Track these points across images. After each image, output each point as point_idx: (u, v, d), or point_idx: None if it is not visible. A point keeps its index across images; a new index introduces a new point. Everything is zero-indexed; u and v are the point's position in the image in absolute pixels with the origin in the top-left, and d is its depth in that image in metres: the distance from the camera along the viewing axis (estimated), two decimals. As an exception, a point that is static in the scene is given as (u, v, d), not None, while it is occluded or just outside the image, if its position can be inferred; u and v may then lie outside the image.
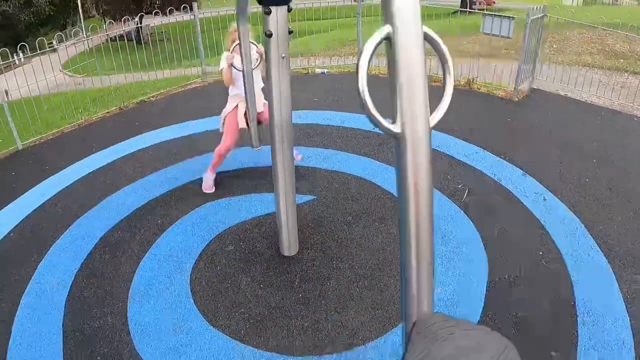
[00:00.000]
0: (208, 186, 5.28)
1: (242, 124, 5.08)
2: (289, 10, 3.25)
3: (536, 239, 4.46)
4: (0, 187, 5.85)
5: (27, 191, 5.61)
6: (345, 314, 3.66)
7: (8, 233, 4.88)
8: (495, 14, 8.15)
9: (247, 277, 4.08)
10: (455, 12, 16.03)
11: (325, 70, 9.63)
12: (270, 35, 3.25)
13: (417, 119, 1.14)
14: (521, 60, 7.70)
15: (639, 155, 6.03)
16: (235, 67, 4.77)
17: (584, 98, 8.13)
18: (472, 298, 3.78)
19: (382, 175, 5.46)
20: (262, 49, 4.59)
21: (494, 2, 31.23)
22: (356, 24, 9.78)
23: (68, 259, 4.40)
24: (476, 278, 3.98)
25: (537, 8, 7.74)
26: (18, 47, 7.57)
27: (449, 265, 4.11)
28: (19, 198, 5.48)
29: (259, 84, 5.06)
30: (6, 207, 5.33)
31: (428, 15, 12.81)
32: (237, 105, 5.12)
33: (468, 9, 8.10)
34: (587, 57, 11.38)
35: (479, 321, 3.56)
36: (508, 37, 7.79)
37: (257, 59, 4.76)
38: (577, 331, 3.47)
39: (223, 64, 4.92)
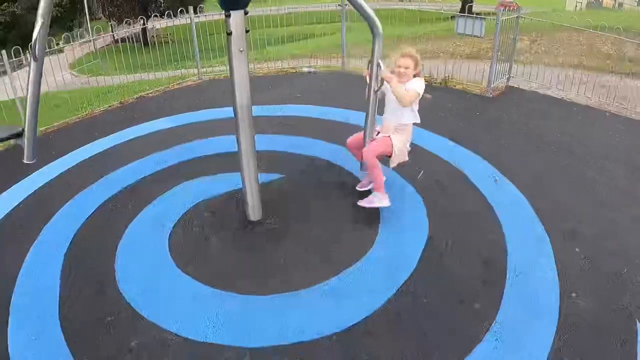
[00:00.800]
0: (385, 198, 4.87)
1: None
2: (246, 13, 4.04)
3: (480, 214, 4.91)
4: (11, 167, 6.61)
5: (34, 172, 6.32)
6: (294, 267, 4.28)
7: (19, 203, 5.62)
8: (469, 15, 8.71)
9: (217, 236, 4.76)
10: (453, 16, 16.55)
11: (312, 69, 10.26)
12: (230, 34, 4.03)
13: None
14: (493, 59, 8.19)
15: (600, 146, 6.41)
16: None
17: (561, 96, 8.49)
18: (408, 254, 4.36)
19: (346, 159, 5.94)
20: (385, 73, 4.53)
21: (516, 6, 31.54)
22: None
23: (69, 223, 5.11)
24: (415, 241, 4.54)
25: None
26: (29, 46, 8.17)
27: (393, 231, 4.69)
28: (27, 177, 6.20)
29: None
30: (15, 184, 6.06)
31: (428, 19, 13.32)
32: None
33: (467, 14, 8.63)
34: (574, 59, 11.73)
35: (412, 274, 4.14)
36: (480, 37, 8.35)
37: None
38: (504, 288, 3.92)
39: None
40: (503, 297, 3.85)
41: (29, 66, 3.49)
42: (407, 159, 4.95)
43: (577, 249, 4.38)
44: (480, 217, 4.88)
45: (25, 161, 3.77)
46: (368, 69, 4.61)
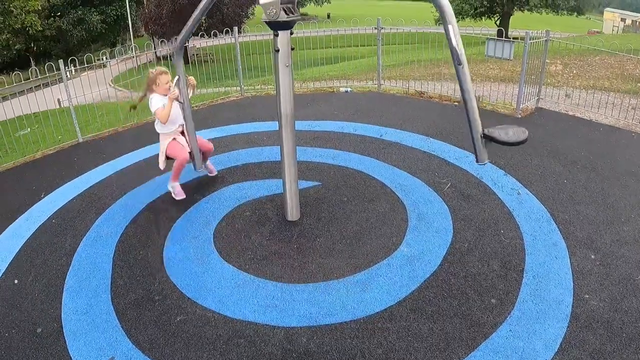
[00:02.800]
0: (179, 192, 5.95)
1: (187, 149, 5.84)
2: (291, 33, 4.60)
3: (501, 221, 5.24)
4: (64, 167, 7.30)
5: (88, 171, 6.98)
6: (327, 260, 4.71)
7: (72, 199, 6.24)
8: (499, 38, 9.05)
9: (257, 232, 5.23)
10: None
11: (349, 89, 10.72)
12: (278, 51, 4.60)
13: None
14: (521, 80, 8.47)
15: (624, 164, 6.55)
16: (179, 101, 5.54)
17: (589, 117, 8.65)
18: (433, 253, 4.74)
19: (379, 170, 6.46)
20: (193, 79, 5.77)
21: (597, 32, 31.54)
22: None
23: (120, 216, 5.69)
24: (439, 243, 4.93)
25: (540, 32, 8.60)
26: (69, 60, 8.63)
27: (419, 233, 5.08)
28: (81, 175, 6.87)
29: (181, 120, 5.83)
30: (70, 181, 6.72)
31: (468, 43, 13.61)
32: (173, 138, 5.84)
33: (504, 39, 8.93)
34: (605, 82, 11.79)
35: (435, 271, 4.53)
36: (509, 59, 8.68)
37: (191, 91, 5.77)
38: (520, 287, 4.23)
39: (161, 103, 5.52)
40: (519, 295, 4.16)
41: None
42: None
43: (592, 256, 4.65)
44: (501, 224, 5.21)
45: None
46: None
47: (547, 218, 5.29)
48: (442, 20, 3.73)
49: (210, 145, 6.23)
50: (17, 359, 3.79)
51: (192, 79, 5.74)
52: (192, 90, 5.81)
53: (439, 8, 3.73)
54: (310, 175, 6.37)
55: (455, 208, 5.53)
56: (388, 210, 5.51)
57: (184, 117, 5.77)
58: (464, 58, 3.72)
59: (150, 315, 4.13)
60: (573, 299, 4.08)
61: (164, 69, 5.62)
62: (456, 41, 3.66)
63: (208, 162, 6.42)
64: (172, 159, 5.85)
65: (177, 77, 5.48)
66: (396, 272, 4.50)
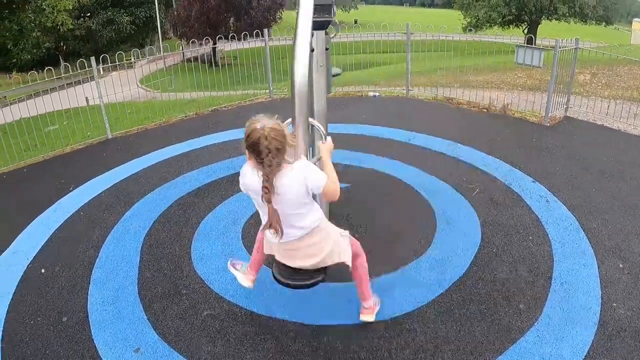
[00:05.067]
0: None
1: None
2: (326, 33, 4.67)
3: (529, 228, 5.21)
4: (94, 162, 7.48)
5: (116, 167, 7.09)
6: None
7: (100, 193, 6.38)
8: (528, 45, 9.01)
9: (286, 231, 5.22)
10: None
11: (377, 94, 10.74)
12: (312, 50, 4.57)
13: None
14: (550, 89, 8.42)
15: None
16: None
17: (618, 127, 8.57)
18: (461, 257, 4.73)
19: (408, 174, 6.46)
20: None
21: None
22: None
23: (149, 211, 5.78)
24: (467, 247, 4.92)
25: (569, 40, 8.53)
26: (100, 58, 8.84)
27: (448, 237, 5.06)
28: (110, 171, 6.99)
29: None
30: (99, 175, 6.84)
31: (491, 51, 13.61)
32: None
33: (534, 46, 8.91)
34: (634, 92, 11.69)
35: (463, 274, 4.51)
36: (539, 67, 8.63)
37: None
38: (548, 294, 4.20)
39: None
40: (546, 301, 4.14)
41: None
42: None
43: (620, 265, 4.60)
44: (529, 231, 5.18)
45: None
46: None
47: (576, 226, 5.24)
48: None
49: None
50: (41, 346, 3.87)
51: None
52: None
53: None
54: (339, 177, 6.31)
55: (484, 213, 5.51)
56: (416, 214, 5.51)
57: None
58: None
59: (176, 309, 4.18)
60: (601, 307, 4.05)
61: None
62: None
63: None
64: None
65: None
66: (424, 274, 4.50)
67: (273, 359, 3.64)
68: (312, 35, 4.50)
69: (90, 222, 5.63)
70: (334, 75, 5.24)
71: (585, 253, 4.78)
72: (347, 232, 3.60)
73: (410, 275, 4.49)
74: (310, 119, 3.90)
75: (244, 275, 4.00)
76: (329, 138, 3.77)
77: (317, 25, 4.50)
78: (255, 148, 2.97)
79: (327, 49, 4.72)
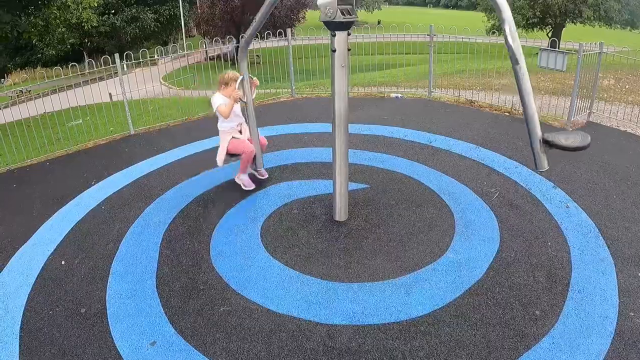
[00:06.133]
0: (249, 183, 6.19)
1: (250, 146, 6.00)
2: (348, 34, 4.66)
3: (549, 234, 5.15)
4: (116, 157, 7.59)
5: (138, 162, 7.19)
6: (373, 261, 4.73)
7: (121, 187, 6.47)
8: (552, 49, 8.93)
9: (304, 230, 5.28)
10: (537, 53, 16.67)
11: (399, 95, 10.72)
12: (334, 51, 4.66)
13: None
14: (573, 93, 8.31)
15: None
16: (242, 100, 5.81)
17: None
18: (479, 262, 4.71)
19: (427, 176, 6.45)
20: (256, 80, 6.00)
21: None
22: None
23: (169, 207, 5.85)
24: (486, 251, 4.90)
25: (593, 44, 8.43)
26: (124, 55, 8.97)
27: (466, 241, 5.05)
28: (132, 166, 7.10)
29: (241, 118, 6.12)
30: (121, 171, 6.95)
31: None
32: (232, 137, 6.02)
33: (557, 49, 8.84)
34: None
35: (480, 278, 4.50)
36: (562, 71, 8.55)
37: (254, 91, 5.95)
38: (565, 301, 4.16)
39: (222, 101, 5.74)
40: (563, 308, 4.11)
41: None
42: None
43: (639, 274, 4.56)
44: (548, 236, 5.14)
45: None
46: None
47: (596, 233, 5.19)
48: (499, 18, 3.69)
49: (265, 141, 6.35)
50: (59, 336, 3.96)
51: (255, 80, 5.95)
52: (254, 90, 6.02)
53: (497, 6, 3.68)
54: (359, 177, 6.40)
55: (503, 217, 5.48)
56: (435, 216, 5.50)
57: (247, 116, 5.94)
58: (521, 57, 3.61)
59: (193, 304, 4.23)
60: (618, 316, 4.01)
61: (238, 74, 5.80)
62: (512, 39, 3.59)
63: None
64: (233, 155, 6.04)
65: (240, 77, 5.65)
66: (441, 277, 4.49)
67: (287, 357, 3.67)
68: (335, 35, 4.54)
69: (111, 216, 5.73)
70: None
71: (604, 260, 4.73)
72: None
73: (427, 278, 4.49)
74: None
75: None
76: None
77: (339, 26, 4.53)
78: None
79: (349, 50, 4.73)
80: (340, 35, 4.59)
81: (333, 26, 4.52)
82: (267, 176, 6.47)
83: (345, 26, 4.56)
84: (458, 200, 5.81)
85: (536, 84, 12.99)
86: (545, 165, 3.90)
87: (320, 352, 3.68)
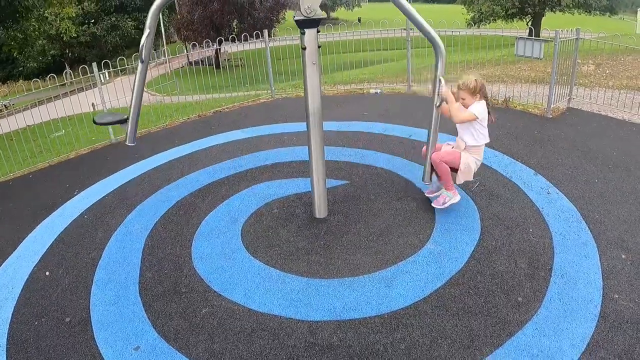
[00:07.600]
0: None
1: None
2: (318, 31, 4.67)
3: (530, 221, 5.16)
4: (98, 166, 7.58)
5: (120, 170, 7.17)
6: (353, 256, 4.74)
7: (104, 196, 6.45)
8: (528, 37, 8.96)
9: (284, 229, 5.27)
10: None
11: (379, 91, 10.74)
12: (305, 49, 4.67)
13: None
14: (552, 80, 8.35)
15: None
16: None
17: (622, 117, 8.48)
18: (460, 251, 4.72)
19: (407, 169, 6.45)
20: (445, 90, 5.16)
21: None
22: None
23: (151, 213, 5.83)
24: (467, 240, 4.90)
25: (570, 31, 8.48)
26: (102, 64, 8.93)
27: (447, 231, 5.05)
28: (113, 174, 7.08)
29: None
30: (103, 179, 6.93)
31: (497, 45, 13.52)
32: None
33: (533, 38, 8.87)
34: (638, 81, 11.52)
35: (461, 268, 4.51)
36: (539, 59, 8.59)
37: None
38: (547, 286, 4.17)
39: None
40: (546, 293, 4.12)
41: (136, 68, 4.37)
42: (472, 178, 5.37)
43: (623, 256, 4.56)
44: (530, 223, 5.15)
45: (127, 143, 4.78)
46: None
47: (577, 217, 5.21)
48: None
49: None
50: (45, 346, 3.95)
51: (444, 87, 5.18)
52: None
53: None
54: (338, 174, 6.40)
55: (484, 207, 5.48)
56: (415, 209, 5.50)
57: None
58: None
59: (176, 307, 4.23)
60: (602, 299, 4.02)
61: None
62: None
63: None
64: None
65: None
66: (422, 269, 4.50)
67: (269, 354, 3.67)
68: (304, 33, 4.54)
69: (93, 225, 5.72)
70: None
71: (586, 244, 4.75)
72: None
73: (408, 270, 4.49)
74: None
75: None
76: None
77: (309, 24, 4.53)
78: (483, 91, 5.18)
79: (319, 47, 4.73)
80: (310, 33, 4.59)
81: (303, 24, 4.52)
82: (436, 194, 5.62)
83: (315, 24, 4.56)
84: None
85: (516, 73, 13.07)
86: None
87: (302, 348, 3.68)
